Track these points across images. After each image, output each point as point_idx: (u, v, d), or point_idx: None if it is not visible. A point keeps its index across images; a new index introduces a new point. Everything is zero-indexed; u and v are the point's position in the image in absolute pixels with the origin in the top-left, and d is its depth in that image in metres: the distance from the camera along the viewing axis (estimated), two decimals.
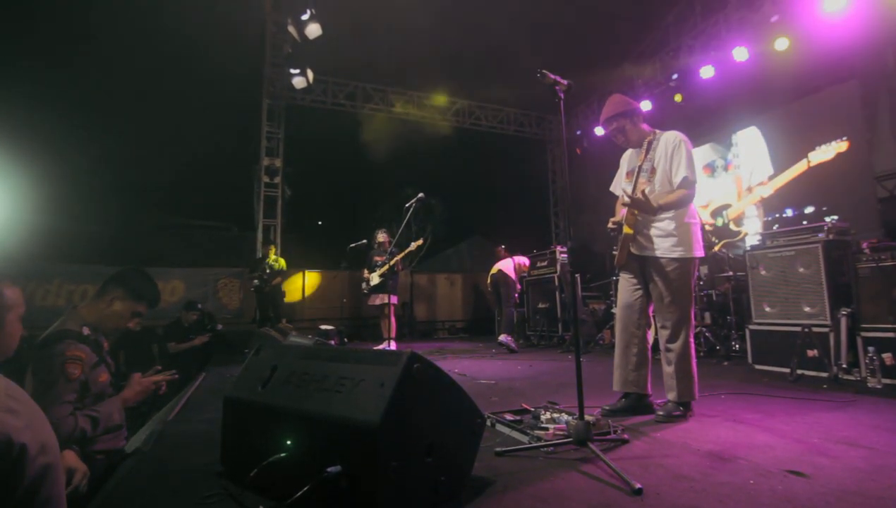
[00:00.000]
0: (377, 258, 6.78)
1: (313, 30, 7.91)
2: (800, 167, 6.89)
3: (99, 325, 2.10)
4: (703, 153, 8.41)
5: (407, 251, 6.52)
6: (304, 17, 7.85)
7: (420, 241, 6.57)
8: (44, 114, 9.72)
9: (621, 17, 8.59)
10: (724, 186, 8.14)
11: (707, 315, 5.68)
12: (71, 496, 1.49)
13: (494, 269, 7.66)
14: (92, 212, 12.17)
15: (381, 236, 6.94)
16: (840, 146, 6.20)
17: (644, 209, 2.79)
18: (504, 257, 8.00)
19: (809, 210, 4.37)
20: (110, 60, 9.57)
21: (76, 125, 10.46)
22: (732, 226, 7.74)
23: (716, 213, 8.16)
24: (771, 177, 7.32)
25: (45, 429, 0.99)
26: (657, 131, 3.02)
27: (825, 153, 6.38)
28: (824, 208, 4.33)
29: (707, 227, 7.89)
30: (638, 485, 1.71)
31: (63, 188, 10.63)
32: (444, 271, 12.17)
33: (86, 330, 2.00)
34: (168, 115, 10.57)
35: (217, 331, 6.92)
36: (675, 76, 8.51)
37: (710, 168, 8.34)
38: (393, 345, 6.28)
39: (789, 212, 4.54)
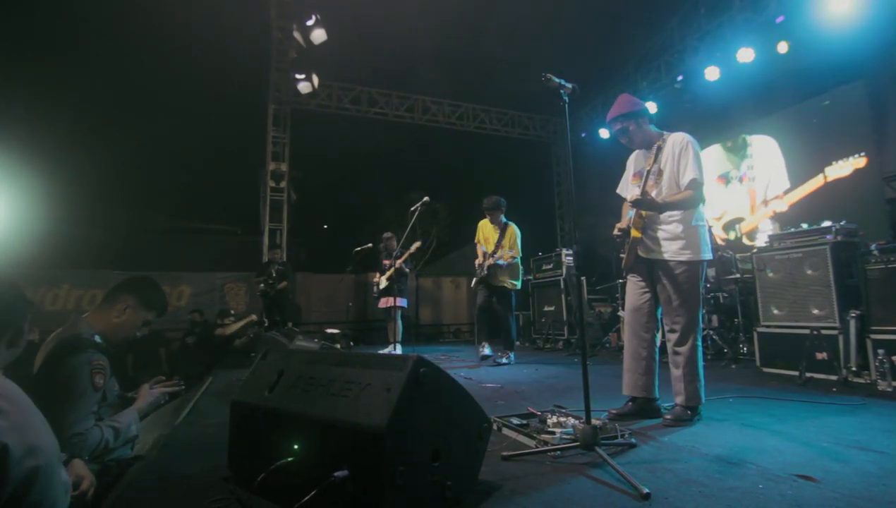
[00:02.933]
0: (385, 261, 6.81)
1: (318, 35, 7.98)
2: (816, 182, 6.83)
3: (108, 334, 2.09)
4: (718, 163, 8.31)
5: (408, 253, 6.49)
6: (309, 22, 7.91)
7: (419, 243, 6.54)
8: (51, 120, 9.83)
9: (626, 19, 8.59)
10: (737, 198, 8.04)
11: (715, 317, 5.64)
12: (76, 502, 1.49)
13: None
14: (100, 217, 12.30)
15: (389, 239, 6.95)
16: (858, 162, 6.17)
17: (650, 207, 2.78)
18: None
19: (826, 224, 4.34)
20: (117, 67, 9.68)
21: (83, 131, 10.56)
22: (745, 240, 7.66)
23: (728, 226, 8.08)
24: (786, 192, 7.22)
25: (36, 432, 0.98)
26: (665, 133, 3.01)
27: (842, 169, 6.35)
28: (842, 222, 4.30)
29: (719, 242, 7.82)
30: (646, 490, 1.70)
31: (71, 194, 10.74)
32: (449, 274, 12.16)
33: (96, 339, 2.01)
34: (174, 121, 10.66)
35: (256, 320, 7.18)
36: (680, 78, 8.50)
37: (724, 179, 8.24)
38: (398, 349, 6.29)
39: (805, 226, 4.52)
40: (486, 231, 5.78)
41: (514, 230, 5.58)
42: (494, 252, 5.58)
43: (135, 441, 2.08)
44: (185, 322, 8.06)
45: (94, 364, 1.86)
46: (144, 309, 2.16)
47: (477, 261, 5.78)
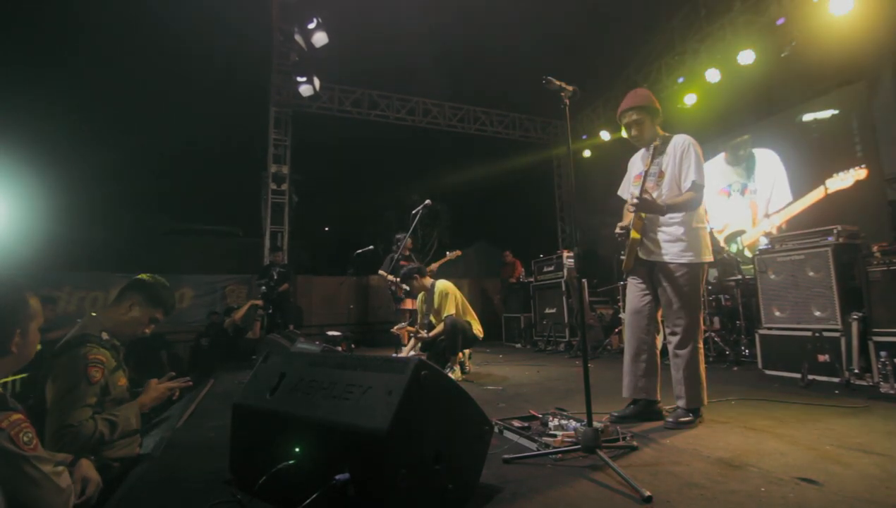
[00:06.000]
0: (402, 263, 6.79)
1: (320, 38, 8.00)
2: (817, 194, 6.78)
3: (116, 331, 2.12)
4: (721, 175, 8.24)
5: (443, 261, 6.84)
6: (311, 25, 7.93)
7: (458, 252, 6.88)
8: (53, 123, 9.87)
9: (626, 21, 8.61)
10: (739, 211, 7.97)
11: (716, 319, 5.63)
12: (81, 505, 1.49)
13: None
14: (101, 219, 12.33)
15: (407, 241, 6.94)
16: (859, 173, 6.15)
17: (651, 209, 2.77)
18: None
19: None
20: (119, 70, 9.71)
21: (85, 134, 10.60)
22: (747, 253, 7.62)
23: (730, 239, 8.04)
24: (789, 205, 7.15)
25: None
26: (665, 134, 3.01)
27: (843, 180, 6.32)
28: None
29: (722, 245, 7.78)
30: (648, 493, 1.70)
31: (73, 197, 10.78)
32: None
33: (104, 335, 2.03)
34: (176, 123, 10.70)
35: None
36: (680, 80, 8.50)
37: (727, 191, 8.20)
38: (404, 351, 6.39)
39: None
40: (421, 297, 5.51)
41: (442, 288, 5.12)
42: (427, 321, 5.26)
43: (142, 436, 2.09)
44: (202, 324, 8.12)
45: (91, 358, 1.89)
46: (151, 306, 2.20)
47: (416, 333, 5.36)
